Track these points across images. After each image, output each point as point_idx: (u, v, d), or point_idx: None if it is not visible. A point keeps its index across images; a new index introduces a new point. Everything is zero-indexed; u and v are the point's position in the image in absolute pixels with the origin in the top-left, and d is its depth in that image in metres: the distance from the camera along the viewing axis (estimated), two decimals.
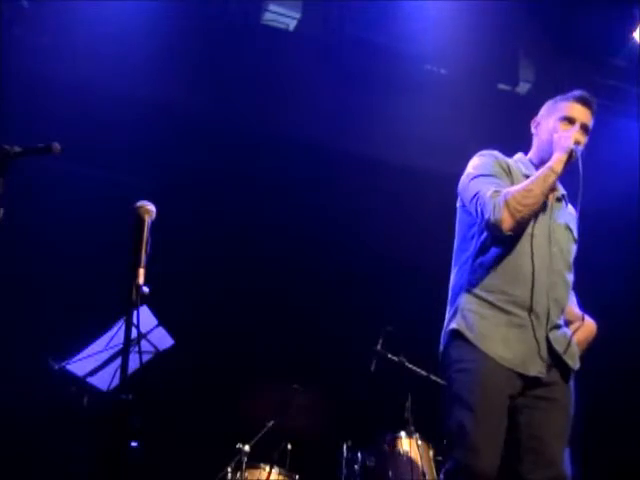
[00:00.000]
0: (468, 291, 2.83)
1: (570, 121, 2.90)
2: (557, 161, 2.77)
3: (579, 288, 6.95)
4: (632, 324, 6.70)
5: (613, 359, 6.74)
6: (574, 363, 2.88)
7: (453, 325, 2.80)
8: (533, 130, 3.06)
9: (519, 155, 3.09)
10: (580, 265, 7.01)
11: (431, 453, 4.60)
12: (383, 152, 6.31)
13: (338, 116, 6.13)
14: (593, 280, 6.63)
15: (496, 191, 2.75)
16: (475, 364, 2.71)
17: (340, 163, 6.17)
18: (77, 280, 5.32)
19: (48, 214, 5.36)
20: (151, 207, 2.66)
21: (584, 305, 6.81)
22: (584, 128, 2.92)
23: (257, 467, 4.70)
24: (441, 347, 2.89)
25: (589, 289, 6.76)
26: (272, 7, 6.30)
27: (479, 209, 2.77)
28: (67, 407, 4.28)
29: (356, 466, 4.70)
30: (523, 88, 6.94)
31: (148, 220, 2.63)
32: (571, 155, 2.78)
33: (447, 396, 2.76)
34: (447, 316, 2.90)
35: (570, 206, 3.10)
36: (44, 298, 5.23)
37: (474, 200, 2.80)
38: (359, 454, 4.71)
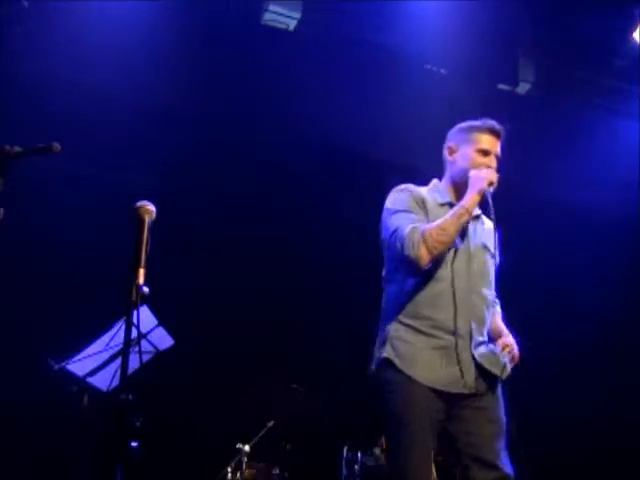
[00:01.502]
0: (396, 319, 3.03)
1: (485, 153, 3.11)
2: (471, 201, 2.98)
3: (578, 289, 6.95)
4: (629, 323, 6.72)
5: (612, 358, 6.76)
6: (499, 371, 3.02)
7: (384, 354, 3.00)
8: (447, 156, 3.21)
9: (434, 182, 3.26)
10: (580, 265, 7.03)
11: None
12: (383, 152, 6.31)
13: (338, 116, 6.13)
14: (592, 281, 6.67)
15: (414, 227, 2.94)
16: (403, 386, 2.94)
17: (340, 162, 6.18)
18: (77, 280, 5.32)
19: (48, 214, 5.36)
20: (151, 207, 2.66)
21: (585, 305, 6.82)
22: (496, 157, 3.15)
23: (257, 467, 4.70)
24: (372, 368, 3.09)
25: (589, 290, 6.80)
26: (272, 7, 6.30)
27: (398, 245, 2.96)
28: (67, 407, 4.28)
29: (356, 466, 4.71)
30: (523, 88, 6.94)
31: (148, 220, 2.63)
32: (482, 194, 3.00)
33: (383, 414, 2.99)
34: (378, 341, 3.10)
35: (487, 221, 3.23)
36: (44, 298, 5.23)
37: (394, 235, 3.00)
38: (359, 454, 4.72)
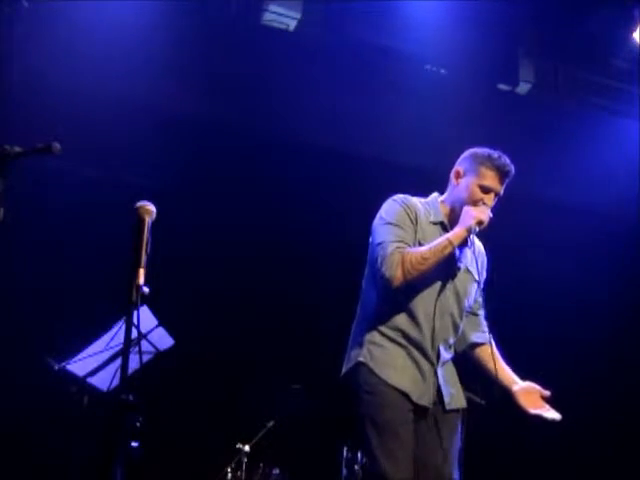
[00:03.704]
0: (373, 326, 3.12)
1: (487, 191, 3.14)
2: (457, 236, 3.04)
3: (577, 289, 6.94)
4: (630, 327, 6.72)
5: (611, 358, 6.76)
6: (451, 402, 3.13)
7: (360, 358, 3.09)
8: (452, 179, 3.22)
9: (434, 196, 3.29)
10: (580, 266, 7.01)
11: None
12: (383, 152, 6.31)
13: (338, 116, 6.13)
14: (593, 281, 6.67)
15: (398, 248, 3.02)
16: (379, 389, 3.03)
17: (339, 163, 6.17)
18: (77, 280, 5.32)
19: (48, 214, 5.36)
20: (151, 207, 2.66)
21: (583, 308, 6.79)
22: (496, 195, 3.19)
23: (257, 467, 4.71)
24: (345, 370, 3.16)
25: (588, 290, 6.79)
26: (272, 7, 6.30)
27: (380, 259, 3.04)
28: (67, 407, 4.28)
29: (356, 466, 4.71)
30: (523, 88, 6.95)
31: (148, 220, 2.63)
32: (469, 231, 3.05)
33: (359, 416, 3.06)
34: (354, 345, 3.17)
35: (477, 242, 3.26)
36: (44, 298, 5.23)
37: (378, 247, 3.07)
38: (359, 454, 4.72)
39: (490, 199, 3.14)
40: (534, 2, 6.43)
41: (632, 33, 6.38)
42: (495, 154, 3.15)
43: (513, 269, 6.19)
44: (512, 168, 3.14)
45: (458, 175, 3.20)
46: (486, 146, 3.22)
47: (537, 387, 3.15)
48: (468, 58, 6.51)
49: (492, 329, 3.27)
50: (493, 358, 3.21)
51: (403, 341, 3.07)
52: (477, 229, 3.04)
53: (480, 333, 3.29)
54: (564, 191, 6.68)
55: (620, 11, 6.36)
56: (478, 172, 3.14)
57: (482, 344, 3.27)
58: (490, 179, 3.13)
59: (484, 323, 3.33)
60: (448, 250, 3.01)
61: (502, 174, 3.13)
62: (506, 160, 3.14)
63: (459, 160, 3.25)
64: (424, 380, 3.06)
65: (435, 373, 3.09)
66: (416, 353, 3.06)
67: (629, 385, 6.66)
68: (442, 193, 3.29)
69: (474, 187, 3.13)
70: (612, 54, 6.73)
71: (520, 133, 6.52)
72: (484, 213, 3.06)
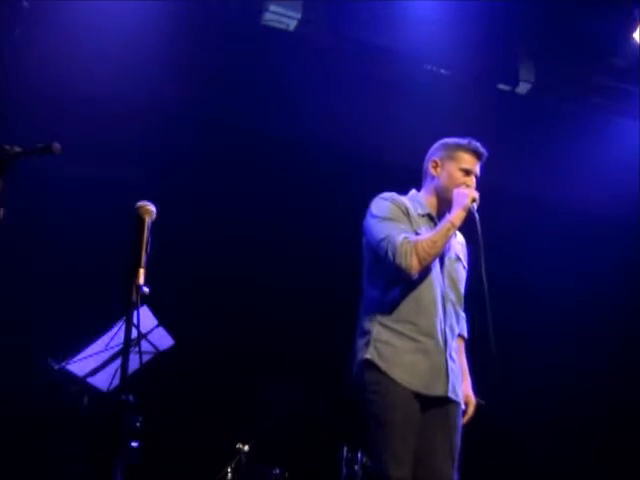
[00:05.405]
0: (379, 322, 3.15)
1: (467, 173, 3.26)
2: (457, 217, 3.12)
3: (577, 289, 6.95)
4: (631, 328, 6.72)
5: (610, 361, 6.76)
6: (452, 393, 3.15)
7: (367, 356, 3.11)
8: (431, 170, 3.31)
9: (413, 192, 3.37)
10: (579, 266, 7.02)
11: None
12: (383, 152, 6.31)
13: (338, 116, 6.13)
14: (592, 280, 6.67)
15: (406, 238, 3.07)
16: (386, 387, 3.05)
17: (339, 163, 6.18)
18: (77, 280, 5.32)
19: (48, 214, 5.36)
20: (151, 207, 2.66)
21: (582, 309, 6.80)
22: (476, 177, 3.31)
23: (257, 467, 4.71)
24: (354, 371, 3.19)
25: (588, 291, 6.79)
26: (272, 7, 6.29)
27: (390, 253, 3.07)
28: (67, 407, 4.29)
29: (356, 466, 4.71)
30: (523, 88, 6.94)
31: (148, 220, 2.64)
32: (467, 211, 3.14)
33: (365, 415, 3.09)
34: (360, 343, 3.19)
35: (459, 234, 3.37)
36: (44, 298, 5.23)
37: (384, 242, 3.10)
38: (359, 454, 4.72)
39: (472, 181, 3.26)
40: (534, 2, 6.42)
41: (632, 33, 6.37)
42: (465, 139, 3.29)
43: (511, 269, 6.19)
44: (485, 150, 3.28)
45: (436, 165, 3.30)
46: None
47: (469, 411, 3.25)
48: (468, 58, 6.50)
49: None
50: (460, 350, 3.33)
51: (412, 333, 3.08)
52: (474, 206, 3.13)
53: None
54: (564, 191, 6.68)
55: (620, 11, 6.36)
56: (456, 157, 3.26)
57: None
58: (469, 161, 3.26)
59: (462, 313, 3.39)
60: (451, 232, 3.11)
61: (478, 155, 3.27)
62: (477, 143, 3.28)
63: (430, 152, 3.36)
64: (435, 370, 3.08)
65: (446, 361, 3.11)
66: (426, 344, 3.09)
67: (630, 385, 6.66)
68: (419, 190, 3.36)
69: (455, 172, 3.25)
70: (612, 54, 6.73)
71: (520, 133, 6.52)
72: (474, 192, 3.18)
